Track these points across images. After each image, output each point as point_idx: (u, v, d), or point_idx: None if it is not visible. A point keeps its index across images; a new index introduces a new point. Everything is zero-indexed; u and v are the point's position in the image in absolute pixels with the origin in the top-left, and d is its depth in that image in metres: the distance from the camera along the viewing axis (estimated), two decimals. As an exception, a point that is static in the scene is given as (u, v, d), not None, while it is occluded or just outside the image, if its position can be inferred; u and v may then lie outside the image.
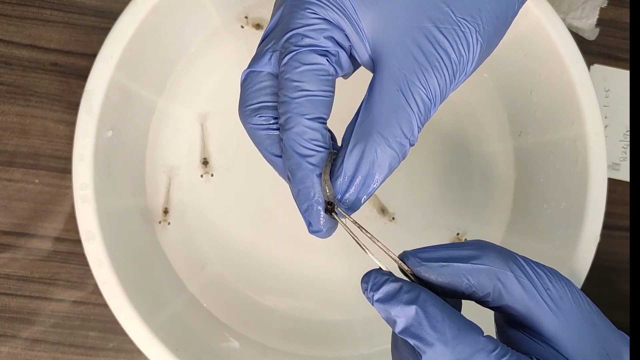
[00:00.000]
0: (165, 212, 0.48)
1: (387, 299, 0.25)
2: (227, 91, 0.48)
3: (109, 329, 0.48)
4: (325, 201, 0.27)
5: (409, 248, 0.48)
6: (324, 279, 0.49)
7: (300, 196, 0.27)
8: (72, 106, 0.48)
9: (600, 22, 0.53)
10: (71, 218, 0.48)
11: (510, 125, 0.50)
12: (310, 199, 0.27)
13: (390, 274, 0.27)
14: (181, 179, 0.48)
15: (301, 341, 0.47)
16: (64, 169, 0.48)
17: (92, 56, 0.41)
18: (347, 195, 0.27)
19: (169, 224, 0.48)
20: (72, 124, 0.41)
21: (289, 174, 0.28)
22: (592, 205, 0.42)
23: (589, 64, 0.53)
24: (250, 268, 0.48)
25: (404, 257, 0.27)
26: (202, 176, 0.48)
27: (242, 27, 0.48)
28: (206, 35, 0.48)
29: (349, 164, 0.27)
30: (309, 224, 0.28)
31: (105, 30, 0.41)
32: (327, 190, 0.27)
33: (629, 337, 0.28)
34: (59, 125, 0.49)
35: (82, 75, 0.41)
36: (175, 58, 0.48)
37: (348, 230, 0.27)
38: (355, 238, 0.27)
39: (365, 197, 0.27)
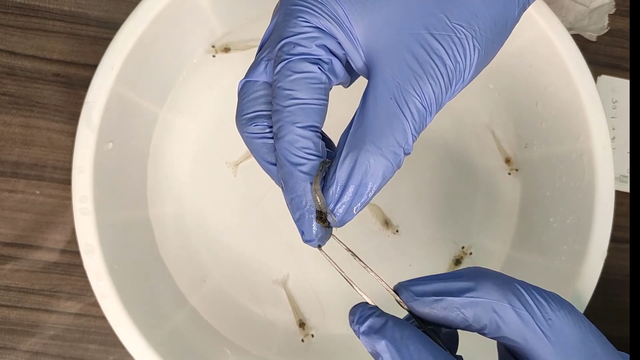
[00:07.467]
0: (302, 325, 0.46)
1: (371, 333, 0.25)
2: (230, 101, 0.48)
3: (109, 342, 0.47)
4: (317, 210, 0.27)
5: (413, 260, 0.48)
6: (325, 293, 0.48)
7: (292, 205, 0.27)
8: (75, 117, 0.48)
9: (607, 33, 0.52)
10: (73, 230, 0.48)
11: (516, 137, 0.49)
12: (302, 208, 0.27)
13: (376, 308, 0.27)
14: (182, 190, 0.48)
15: (302, 356, 0.47)
16: (66, 180, 0.48)
17: (95, 67, 0.41)
18: (340, 204, 0.27)
19: (312, 336, 0.47)
20: (74, 135, 0.41)
21: (283, 183, 0.28)
22: (599, 220, 0.41)
23: (597, 74, 0.52)
24: (252, 281, 0.48)
25: (398, 289, 0.27)
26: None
27: (213, 56, 0.48)
28: (209, 46, 0.48)
29: (341, 173, 0.26)
30: (302, 233, 0.28)
31: (108, 41, 0.41)
32: (318, 199, 0.27)
33: (628, 356, 0.27)
34: (61, 136, 0.49)
35: (85, 85, 0.41)
36: (177, 69, 0.48)
37: (333, 264, 0.27)
38: (341, 272, 0.27)
39: (358, 206, 0.27)
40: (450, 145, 0.50)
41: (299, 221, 0.27)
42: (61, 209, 0.48)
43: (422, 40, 0.26)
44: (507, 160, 0.49)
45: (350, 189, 0.26)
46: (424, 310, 0.26)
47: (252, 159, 0.30)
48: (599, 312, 0.40)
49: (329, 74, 0.28)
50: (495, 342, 0.30)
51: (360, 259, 0.28)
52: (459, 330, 0.30)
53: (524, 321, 0.25)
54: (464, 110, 0.49)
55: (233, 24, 0.48)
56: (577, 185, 0.43)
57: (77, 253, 0.40)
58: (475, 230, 0.49)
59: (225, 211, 0.48)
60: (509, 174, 0.49)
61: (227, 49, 0.47)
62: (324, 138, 0.30)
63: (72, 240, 0.48)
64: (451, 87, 0.27)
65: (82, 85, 0.49)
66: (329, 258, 0.28)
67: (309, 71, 0.27)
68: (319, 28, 0.27)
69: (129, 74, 0.42)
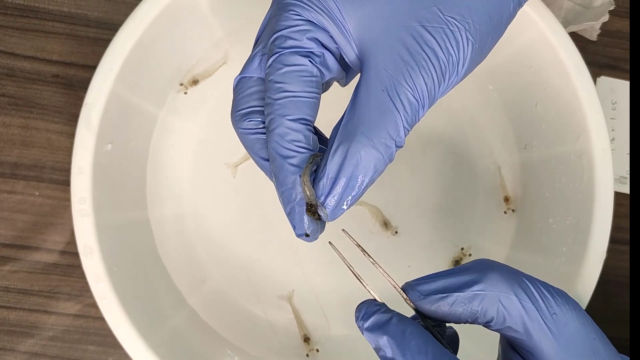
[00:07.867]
0: (307, 340, 0.47)
1: (375, 329, 0.26)
2: (229, 102, 0.48)
3: (108, 343, 0.47)
4: (307, 203, 0.27)
5: (413, 262, 0.48)
6: (326, 294, 0.48)
7: (283, 198, 0.27)
8: (74, 118, 0.47)
9: (607, 34, 0.52)
10: (72, 231, 0.48)
11: (516, 138, 0.49)
12: (292, 201, 0.27)
13: (383, 305, 0.27)
14: (182, 192, 0.48)
15: (302, 356, 0.47)
16: (66, 181, 0.48)
17: (94, 68, 0.41)
18: (330, 197, 0.27)
19: (317, 350, 0.47)
20: (74, 136, 0.41)
21: (274, 177, 0.28)
22: (599, 222, 0.41)
23: (596, 75, 0.52)
24: (251, 282, 0.48)
25: (405, 289, 0.27)
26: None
27: (185, 93, 0.48)
28: (208, 47, 0.48)
29: (332, 165, 0.26)
30: (293, 227, 0.28)
31: (108, 42, 0.41)
32: (308, 192, 0.26)
33: (628, 358, 0.27)
34: (60, 137, 0.49)
35: (85, 87, 0.41)
36: (177, 70, 0.48)
37: (345, 261, 0.27)
38: (351, 268, 0.27)
39: (349, 199, 0.27)
40: (450, 146, 0.50)
41: (290, 215, 0.27)
42: (60, 210, 0.48)
43: (414, 32, 0.26)
44: (506, 199, 0.49)
45: (341, 182, 0.26)
46: (431, 308, 0.26)
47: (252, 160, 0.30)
48: (598, 313, 0.40)
49: (320, 67, 0.28)
50: (494, 343, 0.30)
51: (370, 255, 0.28)
52: (459, 334, 0.30)
53: (529, 314, 0.26)
54: (463, 111, 0.49)
55: (232, 24, 0.48)
56: (576, 186, 0.43)
57: (76, 254, 0.40)
58: (475, 231, 0.49)
59: (224, 212, 0.48)
60: (505, 212, 0.49)
61: (195, 81, 0.48)
62: (319, 134, 0.30)
63: (71, 241, 0.48)
64: (444, 80, 0.27)
65: (81, 87, 0.49)
66: (341, 255, 0.28)
67: (300, 64, 0.27)
68: (310, 21, 0.27)
69: (129, 75, 0.42)
